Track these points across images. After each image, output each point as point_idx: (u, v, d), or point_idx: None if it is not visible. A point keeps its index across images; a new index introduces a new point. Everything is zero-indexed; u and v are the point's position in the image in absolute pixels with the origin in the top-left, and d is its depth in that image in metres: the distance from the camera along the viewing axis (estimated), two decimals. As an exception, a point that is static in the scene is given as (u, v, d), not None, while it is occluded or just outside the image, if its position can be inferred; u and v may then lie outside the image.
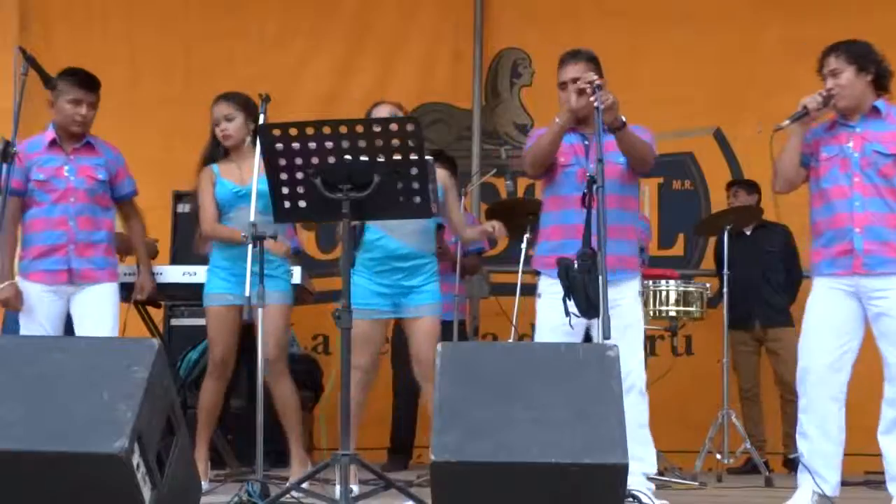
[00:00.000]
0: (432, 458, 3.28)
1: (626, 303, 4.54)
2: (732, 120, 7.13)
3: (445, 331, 5.52)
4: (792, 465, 6.39)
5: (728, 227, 6.20)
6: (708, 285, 6.18)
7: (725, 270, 6.23)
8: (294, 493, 3.95)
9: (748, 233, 6.61)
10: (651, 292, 5.93)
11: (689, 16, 7.02)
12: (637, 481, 4.53)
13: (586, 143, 4.55)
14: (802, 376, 4.35)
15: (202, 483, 4.69)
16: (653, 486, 4.65)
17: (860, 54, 4.34)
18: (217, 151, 5.00)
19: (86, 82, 4.92)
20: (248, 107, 4.92)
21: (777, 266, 6.53)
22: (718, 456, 6.04)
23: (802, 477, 4.32)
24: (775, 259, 6.52)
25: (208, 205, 4.93)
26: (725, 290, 6.17)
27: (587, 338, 4.54)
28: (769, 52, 7.01)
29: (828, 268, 4.35)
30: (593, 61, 4.58)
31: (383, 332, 4.89)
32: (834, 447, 4.29)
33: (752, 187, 6.63)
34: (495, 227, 4.86)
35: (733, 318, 6.47)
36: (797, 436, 4.39)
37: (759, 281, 6.53)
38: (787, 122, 4.36)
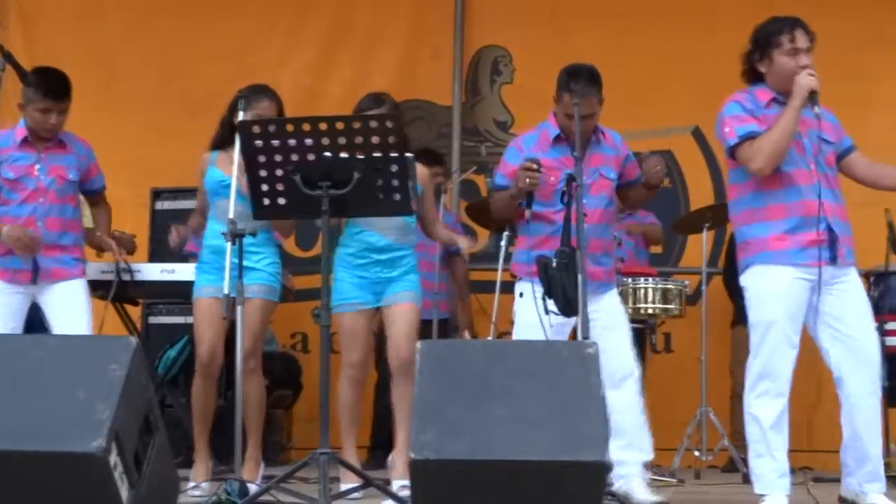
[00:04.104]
0: (412, 456, 3.27)
1: (609, 301, 4.60)
2: (711, 119, 7.10)
3: (426, 329, 5.52)
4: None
5: (707, 224, 6.24)
6: (687, 283, 6.19)
7: (704, 268, 6.26)
8: (273, 492, 3.94)
9: None
10: (630, 290, 5.94)
11: (668, 14, 7.02)
12: (635, 470, 4.55)
13: (575, 154, 4.43)
14: (760, 379, 4.22)
15: (204, 483, 4.68)
16: (649, 474, 4.66)
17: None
18: (225, 140, 4.86)
19: (54, 91, 4.83)
20: (278, 101, 4.89)
21: None
22: (697, 453, 6.07)
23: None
24: None
25: (200, 192, 4.96)
26: (705, 287, 6.20)
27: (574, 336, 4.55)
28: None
29: (798, 257, 4.14)
30: (601, 85, 4.53)
31: (369, 325, 4.85)
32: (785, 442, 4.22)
33: None
34: (464, 245, 5.00)
35: (745, 315, 6.49)
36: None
37: None
38: (817, 109, 4.11)
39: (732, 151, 4.21)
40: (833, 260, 4.16)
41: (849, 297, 4.19)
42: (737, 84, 6.88)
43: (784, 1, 6.82)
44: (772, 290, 4.18)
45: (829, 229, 4.14)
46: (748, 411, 4.23)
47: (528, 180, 4.33)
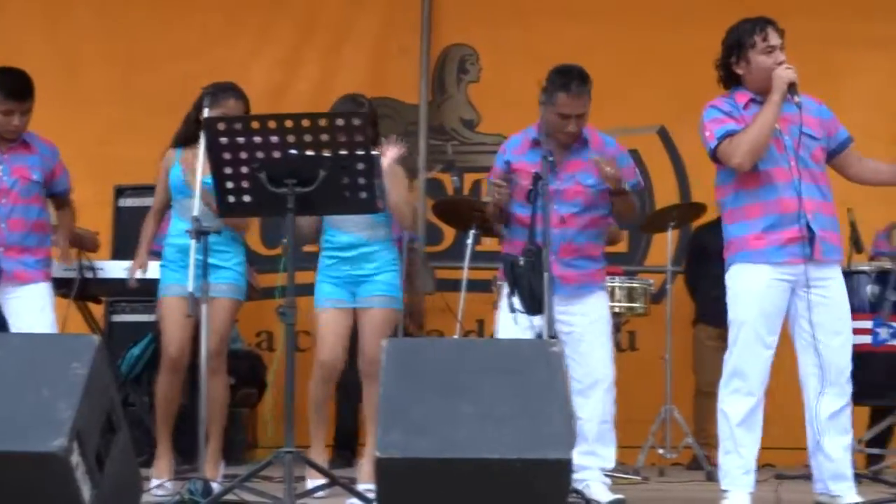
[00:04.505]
0: (377, 454, 3.27)
1: (591, 301, 4.62)
2: (677, 119, 7.18)
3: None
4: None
5: (672, 224, 6.28)
6: (652, 282, 6.22)
7: (669, 266, 6.30)
8: (237, 491, 3.92)
9: None
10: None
11: (635, 14, 7.05)
12: (594, 475, 4.58)
13: (551, 159, 4.47)
14: (732, 376, 4.23)
15: (168, 482, 4.65)
16: (609, 480, 4.68)
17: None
18: (189, 136, 4.83)
19: (16, 92, 4.80)
20: (243, 97, 4.85)
21: None
22: (661, 451, 6.10)
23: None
24: None
25: (159, 190, 4.91)
26: (670, 285, 6.25)
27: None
28: (713, 52, 7.05)
29: (776, 255, 4.15)
30: (590, 86, 4.58)
31: (346, 324, 4.77)
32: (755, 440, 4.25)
33: None
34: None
35: (705, 314, 6.58)
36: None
37: None
38: (797, 98, 4.14)
39: (714, 153, 4.24)
40: (811, 256, 4.16)
41: (828, 304, 4.20)
42: (704, 85, 6.89)
43: (752, 1, 6.94)
44: (748, 289, 4.21)
45: (808, 226, 4.15)
46: (720, 407, 4.26)
47: (496, 195, 4.45)
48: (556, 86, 4.55)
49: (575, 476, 4.58)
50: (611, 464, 4.66)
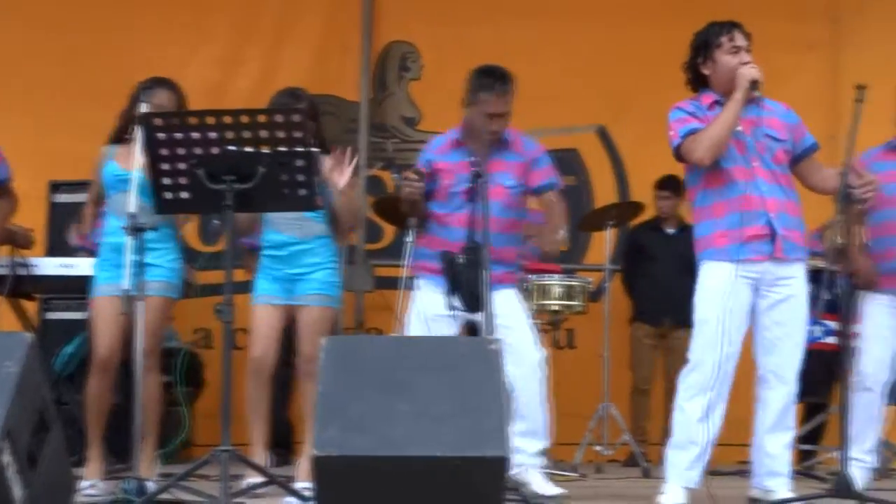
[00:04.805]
0: (314, 452, 3.26)
1: (502, 296, 4.61)
2: (616, 118, 7.25)
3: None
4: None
5: (610, 222, 6.33)
6: (590, 280, 6.27)
7: (608, 265, 6.36)
8: (173, 490, 3.88)
9: (671, 232, 6.73)
10: (535, 286, 5.99)
11: (575, 14, 7.09)
12: (531, 461, 4.62)
13: (477, 159, 4.50)
14: (692, 370, 4.28)
15: (100, 482, 4.59)
16: (545, 461, 4.71)
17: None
18: (123, 133, 4.77)
19: None
20: (175, 92, 4.79)
21: (690, 268, 6.59)
22: (598, 448, 6.15)
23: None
24: (690, 261, 6.57)
25: (93, 186, 4.86)
26: (608, 284, 6.30)
27: (472, 330, 4.57)
28: (653, 52, 7.12)
29: (738, 253, 4.19)
30: (513, 86, 4.62)
31: (279, 321, 4.75)
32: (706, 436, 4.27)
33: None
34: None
35: (642, 312, 6.65)
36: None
37: (675, 280, 6.63)
38: (757, 92, 4.23)
39: (678, 151, 4.31)
40: (773, 254, 4.22)
41: (789, 303, 4.26)
42: (643, 85, 7.04)
43: (692, 3, 7.03)
44: (710, 287, 4.27)
45: (770, 224, 4.21)
46: (677, 402, 4.31)
47: (407, 188, 4.49)
48: (479, 85, 4.60)
49: (513, 459, 4.61)
50: (547, 442, 4.69)
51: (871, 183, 4.23)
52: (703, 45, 4.34)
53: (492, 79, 4.60)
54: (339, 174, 4.62)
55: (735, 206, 4.22)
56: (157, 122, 3.86)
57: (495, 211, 4.49)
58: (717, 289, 4.23)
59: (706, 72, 4.35)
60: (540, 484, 4.57)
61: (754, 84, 4.21)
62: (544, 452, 4.70)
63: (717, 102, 4.31)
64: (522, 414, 4.63)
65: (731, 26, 4.32)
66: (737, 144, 4.25)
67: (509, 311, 4.63)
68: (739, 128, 4.25)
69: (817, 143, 4.46)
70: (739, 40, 4.29)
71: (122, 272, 4.47)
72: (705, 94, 4.36)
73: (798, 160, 4.39)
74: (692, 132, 4.24)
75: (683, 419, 4.25)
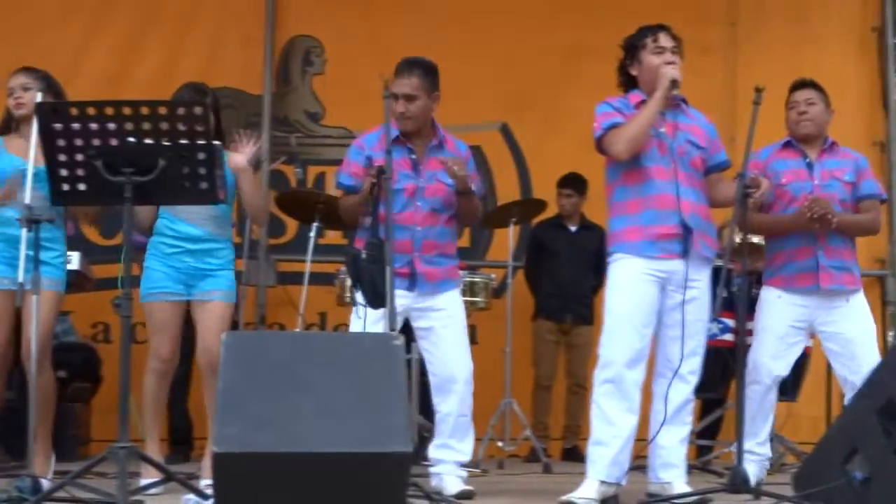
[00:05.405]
0: (214, 449, 3.22)
1: (447, 298, 4.66)
2: (519, 116, 7.30)
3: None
4: (571, 454, 6.64)
5: (513, 219, 6.39)
6: (493, 276, 6.31)
7: (510, 261, 6.40)
8: (69, 488, 3.80)
9: (573, 229, 6.79)
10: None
11: (479, 11, 7.13)
12: (449, 468, 4.64)
13: (413, 157, 4.60)
14: (605, 366, 4.30)
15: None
16: (465, 473, 4.72)
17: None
18: (9, 125, 4.73)
19: None
20: (47, 80, 4.68)
21: (592, 266, 6.66)
22: (500, 443, 6.19)
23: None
24: (592, 259, 6.64)
25: None
26: (510, 280, 6.35)
27: (406, 328, 4.58)
28: (556, 52, 7.20)
29: (647, 249, 4.28)
30: (427, 75, 4.64)
31: (180, 317, 4.70)
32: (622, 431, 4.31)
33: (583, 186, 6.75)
34: None
35: (545, 309, 6.71)
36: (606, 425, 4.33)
37: (577, 277, 6.71)
38: (675, 91, 4.33)
39: (599, 144, 4.38)
40: (685, 254, 4.29)
41: (694, 303, 4.33)
42: (546, 82, 7.11)
43: (592, 4, 7.11)
44: (621, 280, 4.33)
45: (684, 224, 4.29)
46: (593, 398, 4.35)
47: (371, 183, 4.42)
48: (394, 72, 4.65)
49: (431, 469, 4.67)
50: (467, 457, 4.70)
51: (766, 188, 4.37)
52: (632, 46, 4.45)
53: (401, 63, 4.66)
54: (241, 154, 4.60)
55: (651, 204, 4.30)
56: (54, 111, 3.77)
57: (438, 207, 4.61)
58: (627, 283, 4.31)
59: (634, 72, 4.45)
60: (451, 484, 4.58)
61: (674, 83, 4.30)
62: (464, 465, 4.71)
63: (643, 102, 4.39)
64: (441, 431, 4.66)
65: (657, 28, 4.43)
66: (659, 145, 4.34)
67: (451, 316, 4.66)
68: (663, 129, 4.36)
69: (729, 161, 4.57)
70: (664, 41, 4.39)
71: (12, 266, 4.37)
72: (634, 93, 4.46)
73: (707, 173, 4.49)
74: (614, 126, 4.32)
75: (600, 415, 4.29)
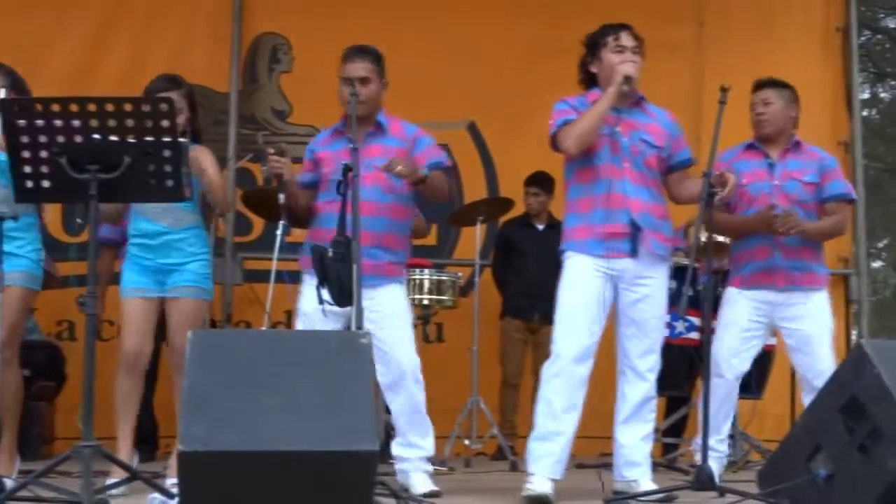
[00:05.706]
0: (180, 448, 3.20)
1: (384, 294, 4.58)
2: (487, 114, 7.31)
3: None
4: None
5: (480, 218, 6.40)
6: (460, 274, 6.32)
7: (478, 260, 6.41)
8: (32, 487, 3.77)
9: (540, 228, 6.80)
10: (406, 281, 6.00)
11: (447, 9, 7.14)
12: (414, 465, 4.62)
13: (351, 146, 4.44)
14: (554, 361, 4.32)
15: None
16: (431, 468, 4.71)
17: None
18: None
19: None
20: (11, 76, 4.62)
21: (560, 264, 6.64)
22: (467, 441, 6.20)
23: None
24: (560, 257, 6.62)
25: None
26: (478, 279, 6.35)
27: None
28: (523, 50, 7.22)
29: (595, 248, 4.32)
30: (378, 61, 4.62)
31: (150, 312, 4.62)
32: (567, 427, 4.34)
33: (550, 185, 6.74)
34: None
35: (512, 307, 6.72)
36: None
37: (545, 276, 6.70)
38: (626, 87, 4.33)
39: (553, 140, 4.40)
40: (633, 253, 4.32)
41: (648, 301, 4.36)
42: (513, 81, 7.12)
43: (561, 2, 7.13)
44: (570, 278, 4.36)
45: (633, 223, 4.31)
46: (541, 393, 4.36)
47: (273, 166, 4.50)
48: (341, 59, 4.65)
49: (397, 467, 4.64)
50: (430, 451, 4.68)
51: (733, 186, 4.34)
52: (593, 43, 4.46)
53: (350, 50, 4.64)
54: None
55: (599, 203, 4.33)
56: (18, 107, 3.74)
57: (373, 195, 4.48)
58: (576, 281, 4.34)
59: (594, 70, 4.47)
60: (418, 481, 4.58)
61: (628, 79, 4.31)
62: (428, 459, 4.69)
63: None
64: (399, 428, 4.64)
65: (620, 27, 4.44)
66: (612, 144, 4.35)
67: (391, 312, 4.57)
68: (618, 128, 4.37)
69: (693, 159, 4.58)
70: (625, 40, 4.40)
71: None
72: (593, 91, 4.47)
73: (670, 171, 4.50)
74: (567, 122, 4.35)
75: (547, 410, 4.31)
